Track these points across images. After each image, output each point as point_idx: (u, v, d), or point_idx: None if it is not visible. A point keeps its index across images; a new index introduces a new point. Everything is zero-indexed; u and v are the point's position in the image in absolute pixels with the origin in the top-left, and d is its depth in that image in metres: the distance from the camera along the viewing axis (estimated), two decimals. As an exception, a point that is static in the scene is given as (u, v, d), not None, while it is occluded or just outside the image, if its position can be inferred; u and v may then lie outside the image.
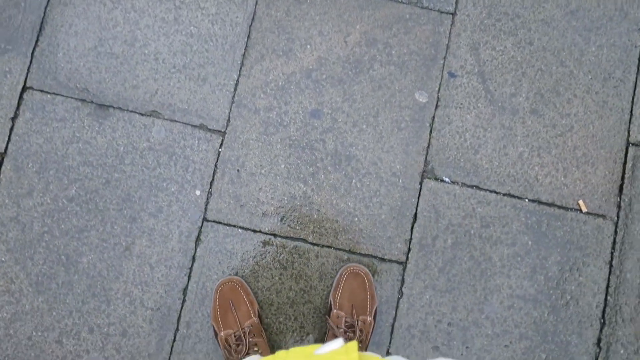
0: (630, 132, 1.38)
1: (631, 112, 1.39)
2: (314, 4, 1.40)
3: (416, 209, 1.32)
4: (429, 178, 1.34)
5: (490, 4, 1.42)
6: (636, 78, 1.41)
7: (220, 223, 1.30)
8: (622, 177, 1.36)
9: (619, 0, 1.44)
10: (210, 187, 1.31)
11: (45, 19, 1.37)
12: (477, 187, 1.34)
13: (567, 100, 1.39)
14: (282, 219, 1.31)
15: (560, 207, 1.34)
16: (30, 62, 1.35)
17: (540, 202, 1.34)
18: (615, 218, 1.34)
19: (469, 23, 1.41)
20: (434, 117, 1.36)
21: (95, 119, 1.33)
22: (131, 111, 1.34)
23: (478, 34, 1.41)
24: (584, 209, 1.34)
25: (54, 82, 1.34)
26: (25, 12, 1.37)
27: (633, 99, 1.40)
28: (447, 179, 1.34)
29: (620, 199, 1.35)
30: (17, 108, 1.33)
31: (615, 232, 1.33)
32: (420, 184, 1.33)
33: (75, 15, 1.37)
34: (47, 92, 1.34)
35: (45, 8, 1.37)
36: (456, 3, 1.42)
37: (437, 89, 1.38)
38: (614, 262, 1.32)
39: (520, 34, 1.41)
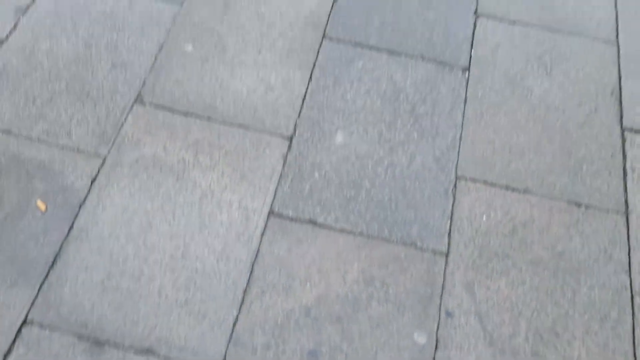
0: (640, 379, 1.34)
1: (634, 356, 1.37)
2: (315, 243, 1.49)
3: None
4: None
5: (480, 245, 1.51)
6: (633, 320, 1.42)
7: None
8: None
9: (601, 244, 1.53)
10: None
11: (59, 254, 1.44)
12: None
13: (567, 342, 1.38)
14: None
15: None
16: (36, 295, 1.38)
17: None
18: None
19: (462, 263, 1.48)
20: (434, 359, 1.34)
21: (89, 356, 1.31)
22: (127, 348, 1.32)
23: (472, 274, 1.47)
24: None
25: (55, 316, 1.35)
26: (41, 247, 1.45)
27: (634, 341, 1.39)
28: None
29: None
30: (12, 343, 1.32)
31: None
32: None
33: (89, 250, 1.45)
34: (46, 327, 1.34)
35: (62, 243, 1.46)
36: (449, 244, 1.51)
37: (435, 329, 1.38)
38: None
39: (512, 274, 1.47)
